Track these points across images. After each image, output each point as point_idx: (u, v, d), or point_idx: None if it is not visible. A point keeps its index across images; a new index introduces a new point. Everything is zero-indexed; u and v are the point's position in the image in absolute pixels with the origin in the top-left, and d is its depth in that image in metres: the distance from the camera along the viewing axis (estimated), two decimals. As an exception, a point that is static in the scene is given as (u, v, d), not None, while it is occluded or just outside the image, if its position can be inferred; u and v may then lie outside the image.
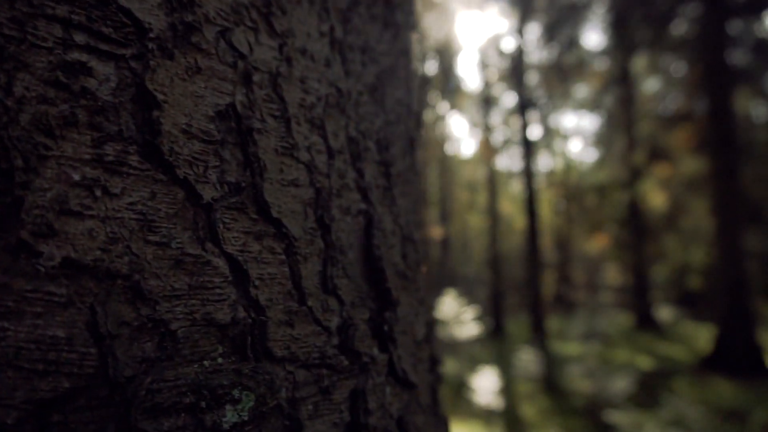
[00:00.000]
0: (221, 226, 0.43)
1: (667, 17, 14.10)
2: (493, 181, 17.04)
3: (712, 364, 11.24)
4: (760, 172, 16.70)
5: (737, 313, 11.05)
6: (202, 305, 0.41)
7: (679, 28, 15.11)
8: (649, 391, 9.51)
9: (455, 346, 11.80)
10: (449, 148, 31.86)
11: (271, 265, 0.47)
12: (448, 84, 21.36)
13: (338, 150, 0.58)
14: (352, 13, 0.65)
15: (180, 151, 0.41)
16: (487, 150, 16.48)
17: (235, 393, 0.40)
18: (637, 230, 18.42)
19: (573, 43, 19.49)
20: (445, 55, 20.52)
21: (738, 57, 14.94)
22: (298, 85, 0.54)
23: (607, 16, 16.73)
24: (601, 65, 19.10)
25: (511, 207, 31.86)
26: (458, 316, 11.49)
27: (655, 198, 23.00)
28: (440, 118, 29.01)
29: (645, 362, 12.46)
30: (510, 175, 27.60)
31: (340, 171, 0.58)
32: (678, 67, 16.71)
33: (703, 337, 15.09)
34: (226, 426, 0.39)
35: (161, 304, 0.38)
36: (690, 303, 20.72)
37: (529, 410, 9.07)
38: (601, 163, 27.70)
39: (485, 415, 8.62)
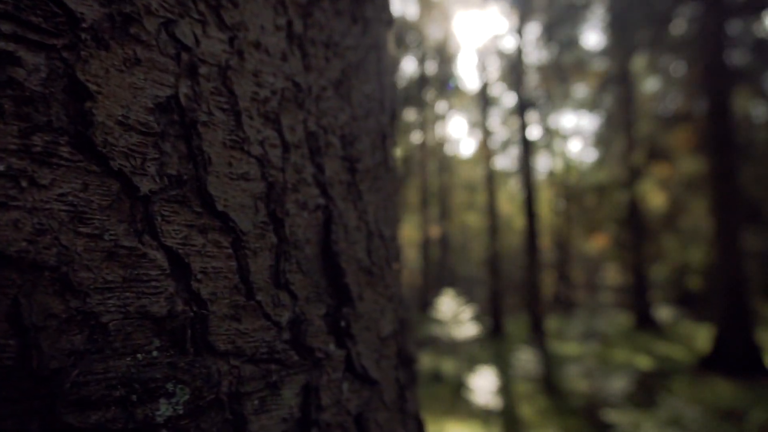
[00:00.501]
0: (159, 218, 0.42)
1: (667, 17, 14.10)
2: (492, 181, 17.03)
3: (710, 363, 11.23)
4: (760, 172, 16.69)
5: (736, 313, 11.03)
6: (136, 298, 0.40)
7: (679, 28, 15.10)
8: (647, 391, 9.51)
9: (454, 346, 11.78)
10: (448, 148, 31.85)
11: (217, 258, 0.47)
12: (447, 84, 21.36)
13: (295, 144, 0.57)
14: (313, 8, 0.64)
15: (115, 143, 0.40)
16: (486, 150, 16.47)
17: (169, 386, 0.39)
18: (637, 230, 18.40)
19: (572, 43, 19.48)
20: (445, 55, 20.53)
21: (737, 57, 14.94)
22: (251, 79, 0.53)
23: (606, 16, 16.73)
24: (601, 65, 19.10)
25: (511, 207, 31.84)
26: (456, 316, 11.47)
27: (655, 198, 22.98)
28: (440, 118, 29.02)
29: (644, 362, 12.45)
30: (509, 175, 27.59)
31: (297, 165, 0.57)
32: (677, 67, 16.71)
33: (702, 337, 15.08)
34: (160, 419, 0.39)
35: (92, 297, 0.38)
36: (689, 303, 20.70)
37: (527, 410, 9.07)
38: (600, 163, 27.68)
39: (484, 415, 8.61)
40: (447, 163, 30.08)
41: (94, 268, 0.38)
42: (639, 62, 19.54)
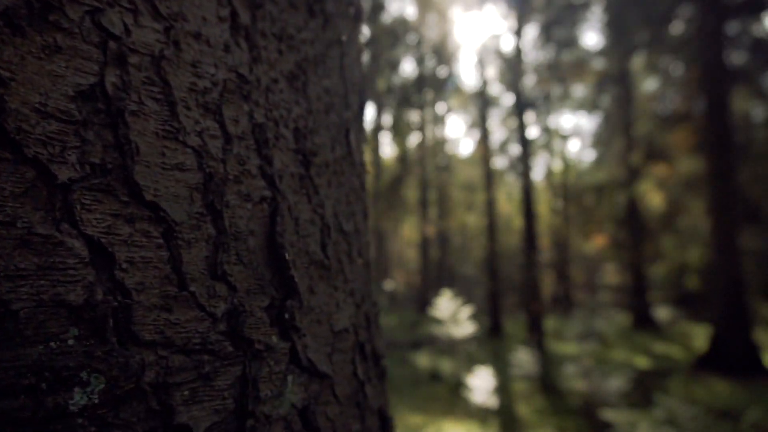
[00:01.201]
0: (79, 207, 0.42)
1: (665, 18, 14.09)
2: (491, 180, 17.02)
3: (708, 363, 11.23)
4: (759, 171, 16.68)
5: (734, 312, 11.03)
6: (51, 286, 0.40)
7: (677, 28, 15.09)
8: (645, 391, 9.51)
9: (452, 346, 11.79)
10: (447, 148, 31.86)
11: (146, 248, 0.46)
12: (446, 84, 21.36)
13: (238, 136, 0.57)
14: (263, 0, 0.64)
15: (30, 130, 0.40)
16: (485, 150, 16.46)
17: (84, 375, 0.39)
18: (636, 230, 18.41)
19: (570, 43, 19.46)
20: (443, 55, 20.53)
21: (736, 57, 14.93)
22: (189, 69, 0.53)
23: (604, 16, 16.72)
24: (599, 65, 19.10)
25: (510, 207, 31.84)
26: (455, 315, 11.48)
27: (654, 198, 22.96)
28: (438, 118, 29.02)
29: (642, 362, 12.45)
30: (508, 174, 27.59)
31: (241, 157, 0.57)
32: (676, 66, 16.69)
33: (700, 336, 15.07)
34: (73, 408, 0.38)
35: (2, 284, 0.37)
36: (688, 303, 20.71)
37: (525, 409, 9.07)
38: (599, 163, 27.65)
39: (481, 414, 8.62)
40: (446, 163, 30.09)
41: (5, 256, 0.38)
42: (637, 62, 19.54)
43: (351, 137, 0.85)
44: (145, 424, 0.43)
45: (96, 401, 0.40)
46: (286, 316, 0.58)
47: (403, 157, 24.95)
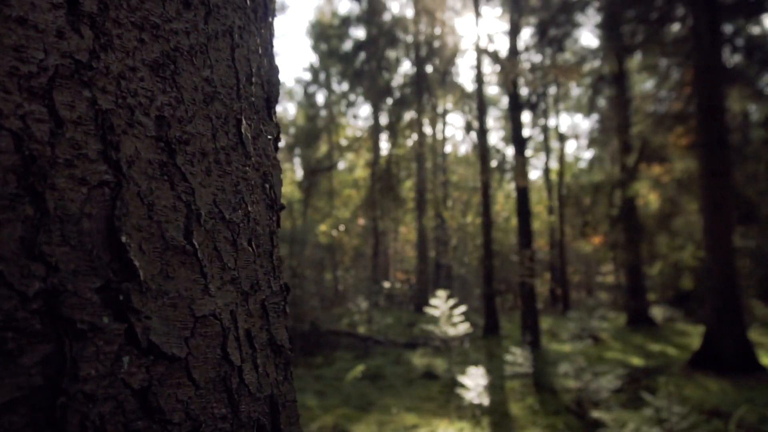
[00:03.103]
0: None
1: (661, 18, 14.08)
2: (488, 180, 17.03)
3: (701, 361, 11.23)
4: (755, 171, 16.65)
5: (728, 310, 11.03)
6: None
7: (673, 27, 15.07)
8: (637, 389, 9.51)
9: (447, 345, 11.82)
10: (444, 148, 31.87)
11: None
12: (442, 83, 21.37)
13: (73, 121, 0.58)
14: None
15: None
16: (482, 150, 16.48)
17: None
18: (632, 230, 18.41)
19: (567, 43, 19.46)
20: (440, 54, 20.54)
21: (731, 56, 14.90)
22: (10, 54, 0.54)
23: (600, 15, 16.72)
24: (594, 65, 19.09)
25: (507, 206, 31.84)
26: (450, 315, 11.51)
27: (650, 197, 22.94)
28: (435, 118, 29.02)
29: (636, 361, 12.46)
30: (505, 174, 27.59)
31: (75, 141, 0.58)
32: (672, 66, 16.67)
33: (696, 336, 15.06)
34: None
35: None
36: (684, 302, 20.70)
37: (517, 408, 9.09)
38: (595, 162, 27.65)
39: (474, 412, 8.64)
40: (442, 163, 30.11)
41: None
42: (632, 62, 19.54)
43: (243, 128, 0.86)
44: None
45: None
46: (121, 297, 0.59)
47: (401, 157, 24.99)
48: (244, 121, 0.85)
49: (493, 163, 16.30)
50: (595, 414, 7.79)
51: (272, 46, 1.05)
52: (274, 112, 1.04)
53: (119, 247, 0.60)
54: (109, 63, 0.63)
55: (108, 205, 0.60)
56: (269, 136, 0.99)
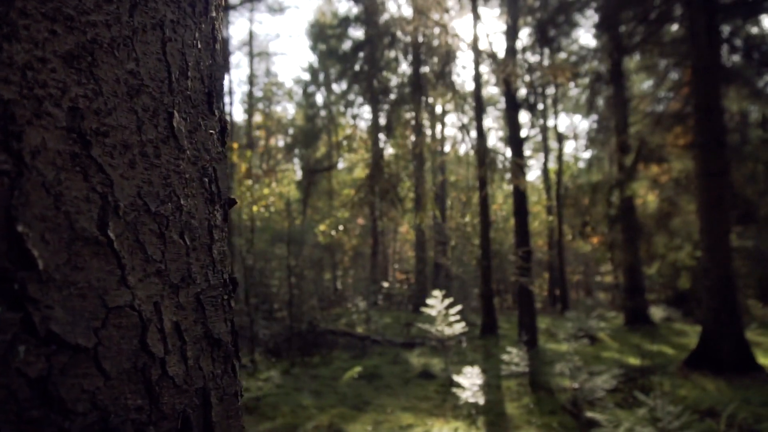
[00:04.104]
0: None
1: (659, 18, 14.06)
2: (486, 180, 17.01)
3: (698, 361, 11.21)
4: (754, 171, 16.62)
5: (724, 310, 11.02)
6: None
7: (672, 27, 15.06)
8: (633, 388, 9.50)
9: (445, 345, 11.82)
10: (444, 148, 31.86)
11: None
12: (440, 83, 21.35)
13: None
14: None
15: None
16: (480, 150, 16.45)
17: None
18: (630, 230, 18.39)
19: (566, 43, 19.45)
20: (438, 54, 20.52)
21: (729, 56, 14.88)
22: None
23: (597, 15, 16.70)
24: (592, 65, 19.07)
25: (506, 206, 31.82)
26: (447, 315, 11.51)
27: (648, 197, 22.92)
28: (433, 118, 29.02)
29: (632, 360, 12.44)
30: (504, 174, 27.56)
31: None
32: (670, 66, 16.64)
33: (694, 335, 15.04)
34: None
35: None
36: (683, 302, 20.68)
37: (513, 407, 9.09)
38: (594, 162, 27.62)
39: (469, 412, 8.64)
40: (441, 163, 30.10)
41: None
42: (631, 62, 19.52)
43: (175, 121, 0.86)
44: None
45: None
46: (17, 287, 0.59)
47: (399, 157, 24.97)
48: (176, 115, 0.85)
49: (492, 164, 16.26)
50: (590, 414, 7.79)
51: (216, 41, 1.05)
52: (218, 107, 1.04)
53: (17, 236, 0.60)
54: (14, 54, 0.64)
55: (6, 194, 0.60)
56: (211, 131, 0.99)
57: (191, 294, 0.85)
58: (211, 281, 0.91)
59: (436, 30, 16.37)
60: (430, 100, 22.77)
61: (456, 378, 9.32)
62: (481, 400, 8.73)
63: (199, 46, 0.94)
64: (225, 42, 13.30)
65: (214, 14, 1.02)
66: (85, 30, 0.72)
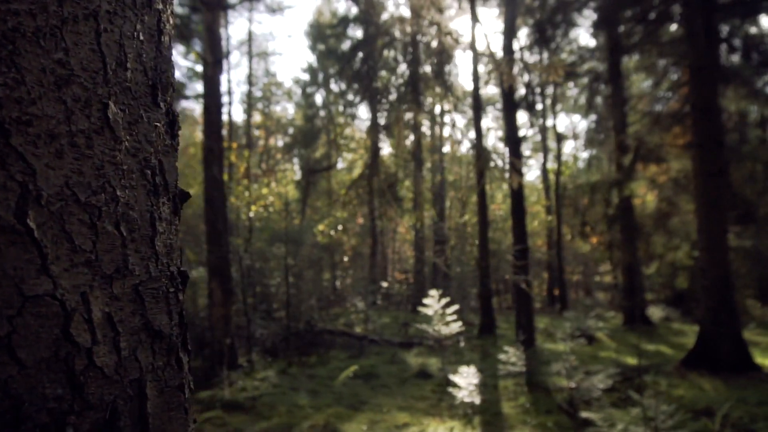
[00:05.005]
0: None
1: (658, 17, 14.05)
2: (484, 180, 17.02)
3: (696, 360, 11.20)
4: (753, 171, 16.61)
5: (722, 309, 11.00)
6: None
7: (670, 27, 15.04)
8: (629, 388, 9.48)
9: (442, 345, 11.81)
10: (443, 147, 31.86)
11: None
12: (439, 84, 21.35)
13: None
14: None
15: None
16: (479, 149, 16.45)
17: None
18: (628, 230, 18.38)
19: (563, 43, 19.44)
20: (437, 54, 20.51)
21: (729, 56, 14.87)
22: None
23: (595, 15, 16.69)
24: (591, 64, 19.08)
25: (505, 206, 31.82)
26: (445, 314, 11.50)
27: (647, 197, 22.90)
28: (432, 118, 29.03)
29: (630, 360, 12.42)
30: (502, 174, 27.59)
31: None
32: (669, 66, 16.62)
33: (692, 335, 15.03)
34: None
35: None
36: (682, 302, 20.67)
37: (510, 407, 9.08)
38: (593, 162, 27.62)
39: (466, 411, 8.63)
40: (441, 162, 30.10)
41: None
42: (629, 61, 19.51)
43: (110, 112, 0.86)
44: None
45: None
46: None
47: (398, 156, 24.97)
48: (112, 106, 0.84)
49: (491, 163, 16.23)
50: (586, 413, 7.77)
51: (162, 34, 1.04)
52: (164, 100, 1.03)
53: None
54: None
55: None
56: (156, 123, 0.98)
57: (128, 285, 0.84)
58: (152, 273, 0.90)
59: (433, 30, 16.36)
60: (429, 100, 22.79)
61: (452, 377, 9.31)
62: (478, 400, 8.72)
63: (141, 38, 0.93)
64: (223, 41, 13.27)
65: (159, 6, 1.01)
66: (5, 19, 0.71)
